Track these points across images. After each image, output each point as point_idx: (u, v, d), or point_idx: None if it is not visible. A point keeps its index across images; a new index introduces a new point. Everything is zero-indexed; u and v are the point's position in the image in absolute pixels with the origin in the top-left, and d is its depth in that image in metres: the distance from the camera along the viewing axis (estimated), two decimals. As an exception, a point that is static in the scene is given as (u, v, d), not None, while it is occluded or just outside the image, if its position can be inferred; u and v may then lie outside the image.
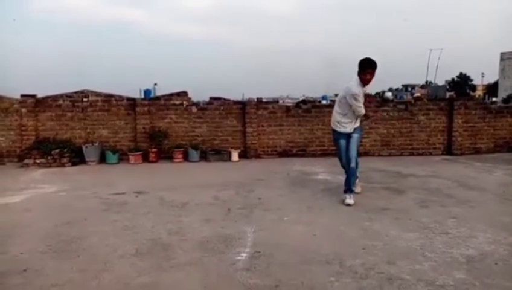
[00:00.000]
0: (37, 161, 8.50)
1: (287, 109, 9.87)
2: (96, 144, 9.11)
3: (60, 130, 9.30)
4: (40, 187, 6.43)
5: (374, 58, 4.99)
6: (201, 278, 2.99)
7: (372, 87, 5.27)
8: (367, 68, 4.95)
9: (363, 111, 5.12)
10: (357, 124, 5.25)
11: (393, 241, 3.72)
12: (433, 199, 5.31)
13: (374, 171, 7.41)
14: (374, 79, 5.05)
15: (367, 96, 5.37)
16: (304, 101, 10.81)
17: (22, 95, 9.29)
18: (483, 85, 57.33)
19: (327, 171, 7.40)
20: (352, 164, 5.17)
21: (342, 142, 5.29)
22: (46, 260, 3.40)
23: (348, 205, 4.99)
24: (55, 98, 9.37)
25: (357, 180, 5.51)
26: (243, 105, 9.72)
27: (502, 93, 34.00)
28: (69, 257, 3.44)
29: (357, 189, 5.48)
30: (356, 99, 5.01)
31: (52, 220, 4.52)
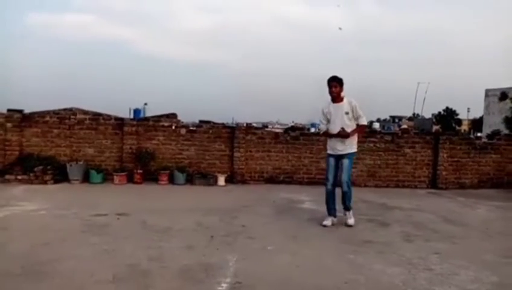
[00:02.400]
0: (19, 177, 8.32)
1: (276, 135, 9.92)
2: (81, 163, 8.97)
3: (45, 146, 9.16)
4: (19, 205, 6.27)
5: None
6: (179, 309, 2.91)
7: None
8: (330, 82, 5.41)
9: (322, 128, 5.64)
10: (340, 146, 5.43)
11: (376, 275, 3.69)
12: (418, 233, 5.30)
13: (360, 202, 7.39)
14: (342, 91, 5.45)
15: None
16: (292, 128, 10.88)
17: (9, 110, 9.17)
18: (468, 120, 58.63)
19: (313, 200, 7.37)
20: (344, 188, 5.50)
21: (330, 160, 5.58)
22: (18, 282, 3.29)
23: (324, 225, 5.37)
24: (42, 114, 9.27)
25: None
26: (232, 129, 9.73)
27: (487, 129, 34.73)
28: (43, 280, 3.33)
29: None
30: (321, 116, 5.58)
31: (29, 240, 4.39)
